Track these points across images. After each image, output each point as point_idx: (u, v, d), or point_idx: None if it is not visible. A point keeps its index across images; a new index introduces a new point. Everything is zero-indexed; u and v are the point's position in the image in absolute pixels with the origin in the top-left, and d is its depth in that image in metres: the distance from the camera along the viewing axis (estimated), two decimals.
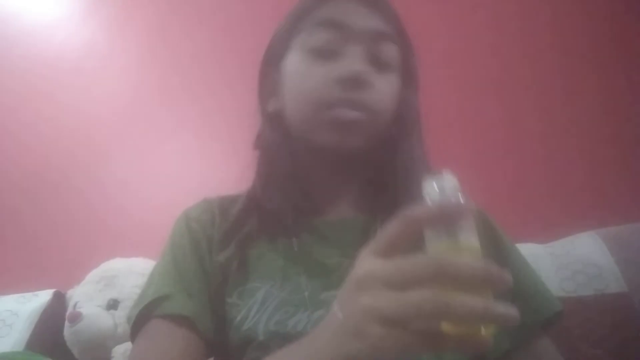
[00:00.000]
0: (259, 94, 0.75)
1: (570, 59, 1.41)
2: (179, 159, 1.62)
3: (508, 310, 0.34)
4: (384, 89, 0.66)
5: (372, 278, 0.37)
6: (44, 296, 1.36)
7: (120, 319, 1.22)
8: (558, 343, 0.93)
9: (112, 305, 1.24)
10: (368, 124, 0.64)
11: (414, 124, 0.70)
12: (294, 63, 0.68)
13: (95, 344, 1.20)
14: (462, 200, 0.38)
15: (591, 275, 1.01)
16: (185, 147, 1.62)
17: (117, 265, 1.33)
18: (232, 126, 1.54)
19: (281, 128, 0.70)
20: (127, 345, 1.18)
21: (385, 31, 0.67)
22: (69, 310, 1.26)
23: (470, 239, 0.37)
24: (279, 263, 0.65)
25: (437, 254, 0.37)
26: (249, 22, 1.63)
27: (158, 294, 0.64)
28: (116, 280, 1.27)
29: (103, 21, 1.81)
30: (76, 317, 1.20)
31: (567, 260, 1.04)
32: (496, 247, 0.69)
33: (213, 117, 1.61)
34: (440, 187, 0.39)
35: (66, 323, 1.23)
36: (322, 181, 0.72)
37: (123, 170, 1.64)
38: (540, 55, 1.42)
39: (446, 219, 0.37)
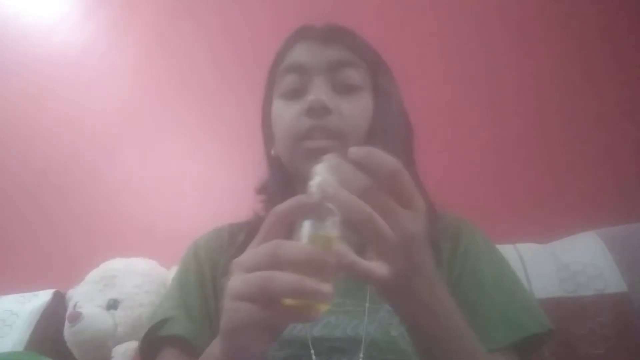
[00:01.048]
0: (264, 142, 0.83)
1: (569, 61, 1.41)
2: (180, 159, 1.62)
3: (320, 287, 0.39)
4: (351, 112, 0.71)
5: (237, 264, 0.43)
6: (44, 296, 1.35)
7: (120, 319, 1.22)
8: (558, 343, 0.94)
9: (112, 305, 1.24)
10: (340, 149, 0.67)
11: (389, 138, 0.72)
12: (275, 109, 0.76)
13: (95, 344, 1.20)
14: (332, 192, 0.42)
15: (591, 275, 1.01)
16: (186, 148, 1.62)
17: (117, 265, 1.32)
18: (233, 126, 1.55)
19: (282, 170, 0.77)
20: (127, 345, 1.18)
21: (343, 58, 0.73)
22: (69, 310, 1.26)
23: (328, 229, 0.42)
24: None
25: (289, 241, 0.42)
26: (247, 22, 1.63)
27: (163, 316, 0.72)
28: (116, 280, 1.27)
29: (103, 21, 1.81)
30: (76, 317, 1.20)
31: (567, 260, 1.04)
32: (463, 261, 0.70)
33: (213, 117, 1.61)
34: (316, 178, 0.44)
35: (66, 323, 1.23)
36: None
37: (124, 171, 1.64)
38: (539, 58, 1.42)
39: (308, 212, 0.42)
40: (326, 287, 0.39)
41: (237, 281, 0.41)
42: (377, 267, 0.42)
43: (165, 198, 1.57)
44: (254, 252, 0.42)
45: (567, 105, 1.37)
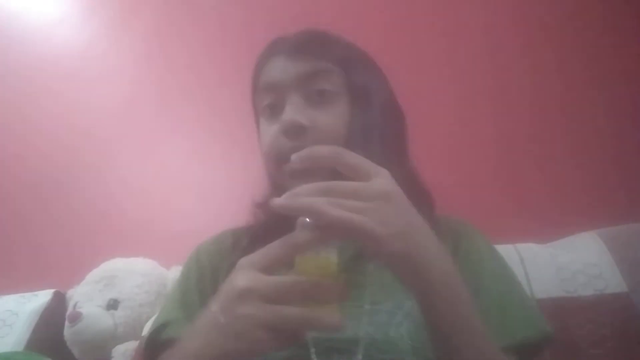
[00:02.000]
0: (262, 159, 0.81)
1: (572, 58, 1.41)
2: (180, 159, 1.62)
3: (328, 319, 0.44)
4: (326, 124, 0.70)
5: (253, 292, 0.45)
6: (44, 296, 1.36)
7: (120, 319, 1.22)
8: (558, 343, 0.93)
9: (112, 305, 1.24)
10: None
11: (370, 136, 0.71)
12: (260, 128, 0.77)
13: (95, 344, 1.20)
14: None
15: (591, 275, 1.01)
16: (185, 147, 1.62)
17: (117, 265, 1.33)
18: (232, 126, 1.54)
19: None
20: (127, 345, 1.19)
21: (312, 70, 0.72)
22: (69, 310, 1.26)
23: (329, 254, 0.47)
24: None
25: (300, 269, 0.47)
26: (246, 23, 1.63)
27: (164, 319, 0.73)
28: (116, 280, 1.27)
29: (103, 21, 1.81)
30: (76, 317, 1.20)
31: (567, 260, 1.04)
32: (468, 266, 0.68)
33: (213, 117, 1.61)
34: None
35: (66, 323, 1.23)
36: None
37: (124, 171, 1.64)
38: (541, 55, 1.42)
39: (317, 242, 0.46)
40: (334, 319, 0.44)
41: (261, 311, 0.44)
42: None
43: (165, 198, 1.57)
44: (277, 284, 0.45)
45: (568, 106, 1.37)
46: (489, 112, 1.41)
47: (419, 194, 0.72)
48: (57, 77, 1.77)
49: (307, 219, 0.46)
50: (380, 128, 0.73)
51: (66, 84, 1.75)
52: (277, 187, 0.76)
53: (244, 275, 0.46)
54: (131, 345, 1.17)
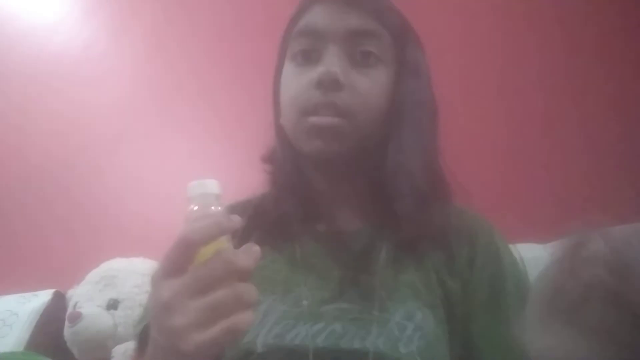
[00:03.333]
0: (273, 109, 0.75)
1: (573, 58, 1.41)
2: (179, 158, 1.62)
3: (250, 291, 0.44)
4: (365, 88, 0.64)
5: (176, 296, 0.42)
6: (44, 296, 1.36)
7: (120, 319, 1.22)
8: None
9: (112, 305, 1.24)
10: (348, 127, 0.63)
11: (411, 118, 0.66)
12: (285, 74, 0.69)
13: (95, 344, 1.20)
14: (220, 209, 0.47)
15: None
16: (185, 146, 1.62)
17: (117, 265, 1.33)
18: (231, 124, 1.55)
19: (287, 140, 0.70)
20: (127, 345, 1.19)
21: (363, 28, 0.66)
22: (69, 310, 1.26)
23: (224, 240, 0.46)
24: (282, 275, 0.66)
25: (202, 256, 0.45)
26: (244, 23, 1.63)
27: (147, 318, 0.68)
28: (116, 280, 1.27)
29: (103, 21, 1.81)
30: (76, 317, 1.20)
31: None
32: (484, 264, 0.67)
33: (212, 116, 1.61)
34: (202, 197, 0.48)
35: (66, 323, 1.23)
36: (324, 190, 0.71)
37: (124, 170, 1.64)
38: (543, 55, 1.42)
39: (211, 234, 0.45)
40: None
41: (190, 313, 0.42)
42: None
43: (165, 198, 1.57)
44: (195, 273, 0.44)
45: (568, 106, 1.37)
46: (489, 113, 1.41)
47: (437, 184, 0.69)
48: (57, 76, 1.76)
49: (194, 208, 0.48)
50: (420, 108, 0.68)
51: (66, 84, 1.75)
52: (288, 141, 0.69)
53: (160, 289, 0.44)
54: (131, 345, 1.17)
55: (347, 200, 0.70)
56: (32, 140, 1.73)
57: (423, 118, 0.68)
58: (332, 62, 0.63)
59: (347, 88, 0.63)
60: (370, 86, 0.65)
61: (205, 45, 1.69)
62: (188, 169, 1.60)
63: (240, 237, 0.70)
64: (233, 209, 0.74)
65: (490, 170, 1.35)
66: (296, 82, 0.66)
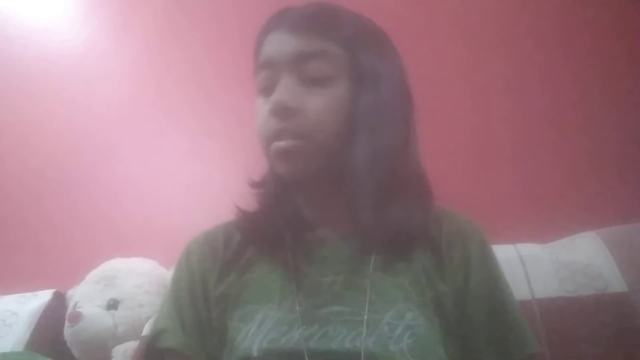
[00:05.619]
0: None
1: (574, 58, 1.40)
2: (179, 159, 1.62)
3: None
4: (318, 108, 0.66)
5: None
6: (44, 296, 1.36)
7: (120, 319, 1.22)
8: (558, 343, 0.93)
9: (112, 305, 1.24)
10: (309, 147, 0.66)
11: (366, 125, 0.68)
12: (256, 107, 0.73)
13: (95, 344, 1.20)
14: None
15: (591, 275, 1.01)
16: (185, 147, 1.62)
17: (117, 265, 1.33)
18: (231, 126, 1.54)
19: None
20: (127, 345, 1.19)
21: (308, 50, 0.68)
22: (69, 310, 1.26)
23: None
24: (277, 284, 0.69)
25: None
26: (244, 23, 1.62)
27: (158, 327, 0.73)
28: (116, 280, 1.27)
29: (103, 21, 1.80)
30: (76, 317, 1.20)
31: (567, 260, 1.04)
32: (478, 269, 0.69)
33: (212, 117, 1.61)
34: None
35: (66, 323, 1.23)
36: (309, 204, 0.74)
37: (123, 170, 1.64)
38: (544, 55, 1.42)
39: None
40: None
41: None
42: None
43: (165, 198, 1.57)
44: None
45: (569, 107, 1.37)
46: (491, 113, 1.41)
47: (418, 187, 0.72)
48: (57, 76, 1.76)
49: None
50: (384, 115, 0.69)
51: (66, 84, 1.75)
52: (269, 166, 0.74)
53: None
54: (131, 346, 1.17)
55: (332, 211, 0.73)
56: (33, 140, 1.73)
57: (381, 122, 0.69)
58: (281, 91, 0.67)
59: (300, 112, 0.66)
60: (324, 105, 0.67)
61: (205, 45, 1.69)
62: (188, 169, 1.60)
63: (237, 252, 0.74)
64: (227, 228, 0.79)
65: (490, 171, 1.35)
66: (260, 112, 0.70)
